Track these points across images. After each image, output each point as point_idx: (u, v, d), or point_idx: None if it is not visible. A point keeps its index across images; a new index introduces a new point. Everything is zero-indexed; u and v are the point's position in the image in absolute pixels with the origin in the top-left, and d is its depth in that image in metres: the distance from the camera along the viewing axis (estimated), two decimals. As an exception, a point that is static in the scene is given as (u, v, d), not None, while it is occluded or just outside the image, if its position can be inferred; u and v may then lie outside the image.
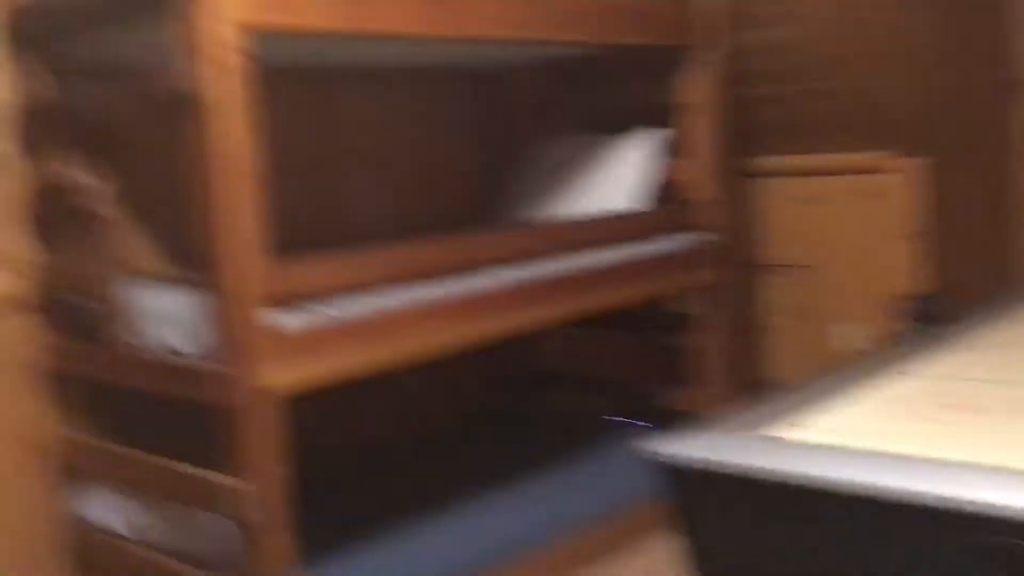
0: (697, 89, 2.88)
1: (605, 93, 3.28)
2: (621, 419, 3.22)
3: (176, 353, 2.09)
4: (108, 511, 2.36)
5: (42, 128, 2.39)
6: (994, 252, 3.82)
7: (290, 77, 2.66)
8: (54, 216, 2.40)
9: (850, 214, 3.42)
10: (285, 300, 1.98)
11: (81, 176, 2.38)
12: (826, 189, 3.46)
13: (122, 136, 2.33)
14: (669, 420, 2.00)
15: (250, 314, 1.91)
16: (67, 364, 2.38)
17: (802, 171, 3.49)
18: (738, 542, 1.38)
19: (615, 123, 3.16)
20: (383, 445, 3.05)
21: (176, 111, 1.88)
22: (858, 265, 3.41)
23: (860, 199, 3.39)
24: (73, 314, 2.34)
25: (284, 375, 1.95)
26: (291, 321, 1.98)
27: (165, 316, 2.16)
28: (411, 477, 2.86)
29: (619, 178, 3.05)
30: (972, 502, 1.09)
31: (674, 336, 3.05)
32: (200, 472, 2.04)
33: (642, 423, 3.10)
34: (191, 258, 2.12)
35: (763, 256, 3.62)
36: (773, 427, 1.48)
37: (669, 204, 2.96)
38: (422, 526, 2.48)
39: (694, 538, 1.41)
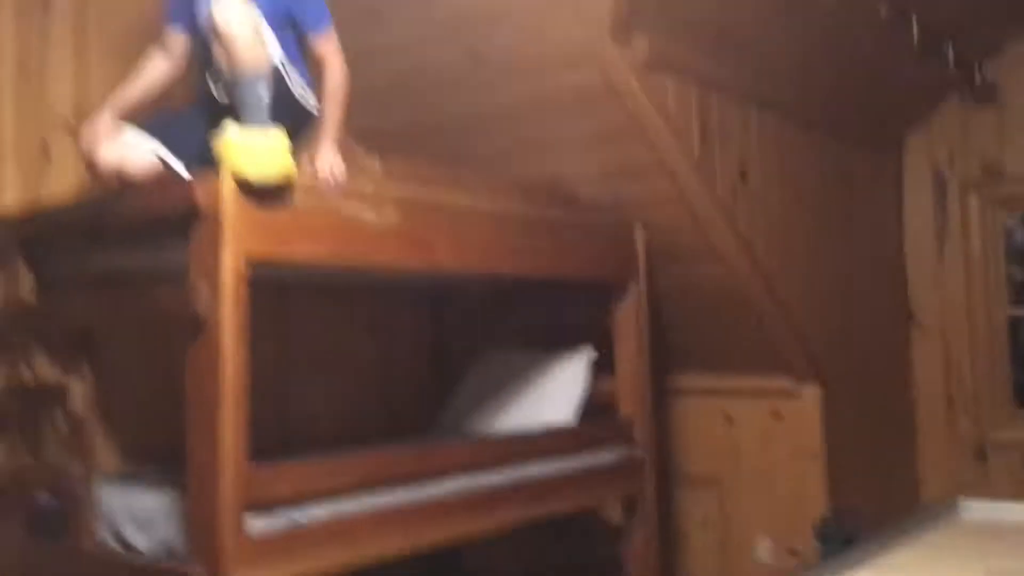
0: (624, 315, 3.20)
1: (542, 313, 3.58)
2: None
3: (139, 553, 2.17)
4: None
5: (16, 331, 2.52)
6: (890, 474, 4.17)
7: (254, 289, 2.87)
8: (21, 413, 2.50)
9: (759, 433, 3.74)
10: (257, 504, 2.10)
11: (52, 375, 2.50)
12: (738, 410, 3.79)
13: (101, 340, 2.47)
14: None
15: (224, 516, 2.02)
16: (25, 566, 2.40)
17: (714, 391, 3.82)
18: None
19: (550, 341, 3.45)
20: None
21: (179, 325, 2.06)
22: (768, 481, 3.69)
23: (767, 420, 3.72)
24: (36, 511, 2.40)
25: (252, 577, 2.05)
26: (261, 525, 2.10)
27: (128, 515, 2.25)
28: None
29: (552, 393, 3.30)
30: None
31: (599, 546, 3.22)
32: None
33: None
34: (162, 459, 2.24)
35: (681, 469, 3.89)
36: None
37: (596, 419, 3.20)
38: None
39: None
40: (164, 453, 2.48)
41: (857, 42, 3.53)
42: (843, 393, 3.78)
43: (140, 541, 2.21)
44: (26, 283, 2.49)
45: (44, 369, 2.49)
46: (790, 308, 3.54)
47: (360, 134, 3.38)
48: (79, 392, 2.36)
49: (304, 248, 2.16)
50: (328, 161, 2.26)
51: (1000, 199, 4.28)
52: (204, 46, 2.25)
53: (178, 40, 2.37)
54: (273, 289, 3.01)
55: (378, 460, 2.44)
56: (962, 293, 4.32)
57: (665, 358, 3.78)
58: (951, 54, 3.79)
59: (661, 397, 3.87)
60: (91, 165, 2.24)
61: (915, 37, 3.47)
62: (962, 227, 4.32)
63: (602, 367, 3.29)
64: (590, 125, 3.00)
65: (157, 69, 2.38)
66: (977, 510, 2.89)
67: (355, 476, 2.34)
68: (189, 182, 2.10)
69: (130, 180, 2.21)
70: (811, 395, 3.65)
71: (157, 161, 2.23)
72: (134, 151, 2.21)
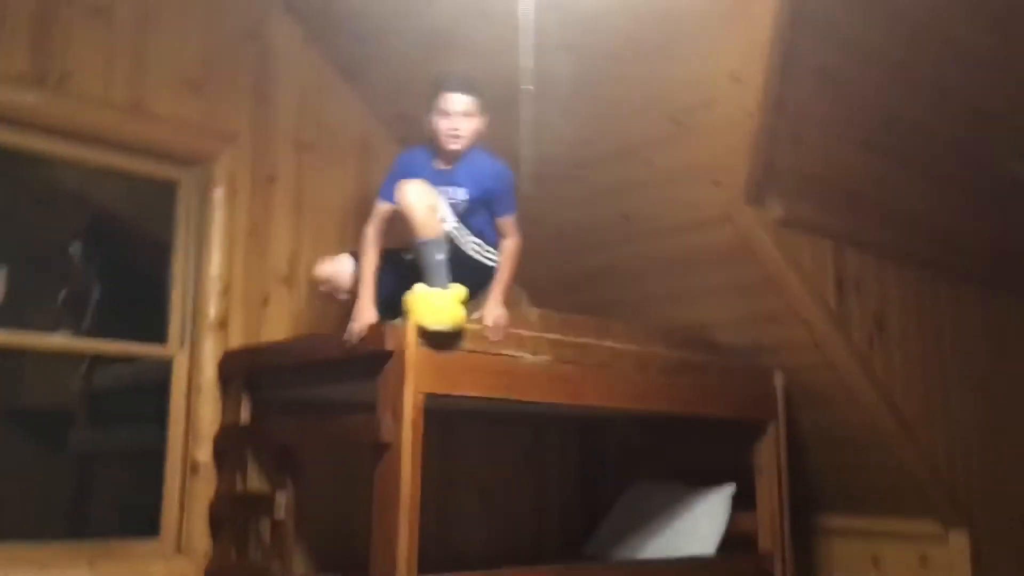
0: (764, 453, 3.40)
1: (689, 449, 3.82)
2: None
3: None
4: None
5: (233, 447, 3.02)
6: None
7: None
8: (232, 517, 2.97)
9: (905, 577, 3.76)
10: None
11: (261, 484, 2.97)
12: (885, 552, 3.83)
13: (303, 459, 2.93)
14: None
15: (398, 617, 2.37)
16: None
17: (861, 533, 3.89)
18: None
19: (695, 476, 3.67)
20: None
21: (368, 449, 2.48)
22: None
23: (915, 565, 3.75)
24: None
25: (418, 671, 2.36)
26: (427, 626, 2.43)
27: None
28: None
29: (695, 526, 3.50)
30: None
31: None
32: None
33: None
34: (342, 561, 2.62)
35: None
36: None
37: (737, 553, 3.37)
38: None
39: None
40: (346, 561, 2.88)
41: (996, 194, 3.71)
42: (994, 538, 3.77)
43: (325, 633, 2.58)
44: (245, 409, 3.00)
45: (255, 482, 2.96)
46: (932, 453, 3.63)
47: (528, 282, 3.86)
48: (283, 503, 2.79)
49: (470, 385, 2.56)
50: (495, 312, 2.69)
51: None
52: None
53: (388, 210, 2.85)
54: (441, 417, 3.42)
55: (528, 576, 2.74)
56: None
57: (812, 498, 3.91)
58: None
59: (808, 537, 3.97)
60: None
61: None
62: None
63: (744, 504, 3.48)
64: (728, 277, 3.31)
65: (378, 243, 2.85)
66: None
67: (509, 589, 2.64)
68: (380, 328, 2.55)
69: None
70: (958, 540, 3.67)
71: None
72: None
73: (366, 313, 2.62)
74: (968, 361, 3.90)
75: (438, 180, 2.75)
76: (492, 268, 2.81)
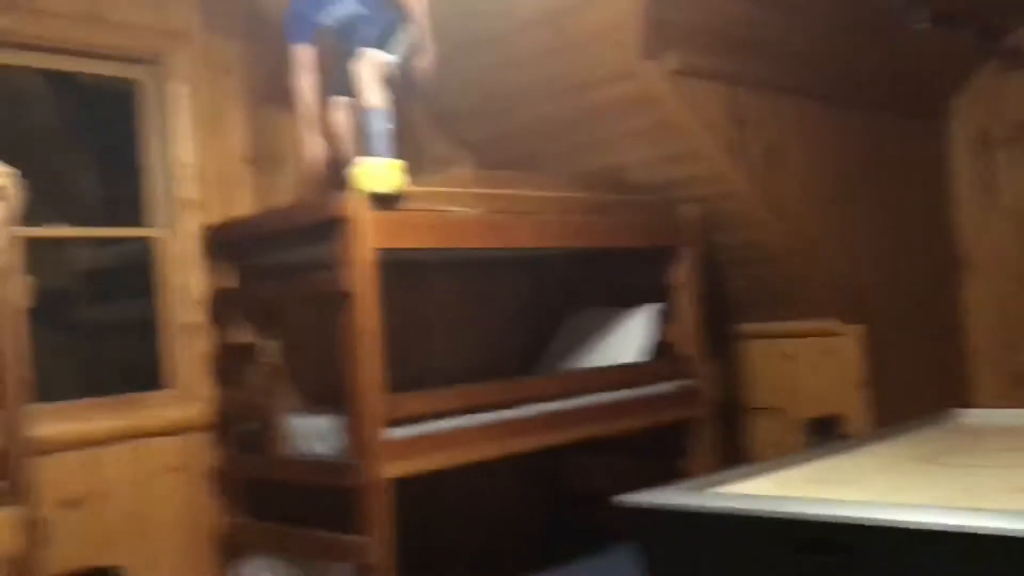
0: (680, 274, 3.96)
1: (620, 275, 4.37)
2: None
3: (319, 457, 3.14)
4: (260, 572, 3.34)
5: (224, 307, 3.54)
6: (939, 400, 4.73)
7: (390, 270, 3.80)
8: (229, 365, 3.52)
9: (812, 368, 4.42)
10: (394, 420, 3.02)
11: (252, 338, 3.50)
12: (793, 349, 4.48)
13: (285, 312, 3.45)
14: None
15: (373, 429, 2.95)
16: (235, 469, 3.43)
17: (774, 334, 4.52)
18: (675, 557, 2.33)
19: (628, 298, 4.24)
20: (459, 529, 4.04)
21: (333, 299, 3.01)
22: (821, 408, 4.37)
23: (819, 357, 4.40)
24: (242, 433, 3.42)
25: (393, 468, 2.97)
26: (398, 433, 3.02)
27: (312, 433, 3.22)
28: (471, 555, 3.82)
29: (628, 340, 4.10)
30: (796, 515, 2.05)
31: (669, 461, 4.00)
32: (332, 534, 3.04)
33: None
34: (330, 395, 3.19)
35: (749, 402, 4.61)
36: (710, 487, 2.45)
37: (664, 358, 3.99)
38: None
39: (651, 556, 2.36)
40: (331, 395, 3.46)
41: (876, 26, 4.14)
42: (887, 331, 4.40)
43: (319, 449, 3.18)
44: (230, 275, 3.50)
45: (245, 335, 3.50)
46: (828, 261, 4.21)
47: (467, 141, 4.31)
48: (272, 349, 3.33)
49: (413, 239, 3.07)
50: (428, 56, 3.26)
51: (1038, 152, 4.76)
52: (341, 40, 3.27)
53: (309, 52, 3.30)
54: (404, 269, 3.94)
55: (479, 391, 3.34)
56: (1009, 237, 4.84)
57: (731, 310, 4.52)
58: (968, 30, 4.32)
59: (729, 342, 4.61)
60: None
61: (924, 20, 4.06)
62: (1007, 178, 4.83)
63: (669, 318, 4.07)
64: (637, 125, 3.78)
65: (311, 85, 3.33)
66: (967, 417, 3.54)
67: (463, 401, 3.23)
68: (335, 198, 3.02)
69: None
70: (855, 334, 4.30)
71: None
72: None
73: (315, 149, 3.13)
74: (857, 177, 4.43)
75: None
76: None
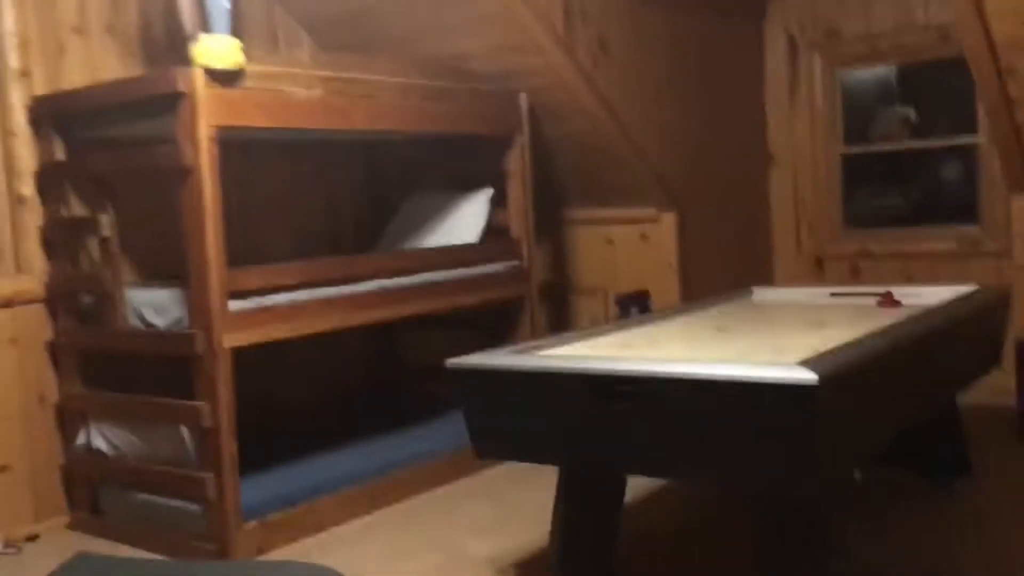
0: (512, 162, 4.19)
1: (455, 161, 4.57)
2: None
3: (158, 328, 3.24)
4: (96, 439, 3.45)
5: (53, 180, 3.51)
6: (746, 279, 5.23)
7: (228, 147, 3.84)
8: (63, 238, 3.52)
9: (631, 252, 4.80)
10: (235, 293, 3.15)
11: (83, 211, 3.50)
12: (615, 234, 4.84)
13: (118, 187, 3.46)
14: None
15: (214, 301, 3.07)
16: (72, 341, 3.48)
17: (598, 220, 4.86)
18: (494, 410, 2.62)
19: (462, 183, 4.44)
20: (297, 398, 4.26)
21: (172, 174, 3.06)
22: (637, 287, 4.77)
23: (637, 241, 4.77)
24: (79, 306, 3.46)
25: (233, 339, 3.11)
26: (238, 306, 3.15)
27: (150, 305, 3.30)
28: (313, 423, 4.06)
29: (462, 223, 4.32)
30: (585, 370, 2.36)
31: (502, 336, 4.31)
32: (174, 400, 3.18)
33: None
34: (166, 269, 3.27)
35: (575, 282, 4.96)
36: (528, 351, 2.73)
37: (495, 241, 4.25)
38: (318, 452, 3.68)
39: (472, 411, 2.64)
40: (167, 270, 3.53)
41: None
42: (698, 218, 4.82)
43: (158, 321, 3.28)
44: (59, 148, 3.46)
45: (77, 209, 3.49)
46: (648, 153, 4.53)
47: (308, 23, 4.32)
48: (106, 222, 3.36)
49: (252, 117, 3.14)
50: None
51: (839, 57, 5.21)
52: None
53: None
54: (241, 147, 3.98)
55: (318, 266, 3.50)
56: (808, 136, 5.32)
57: (559, 197, 4.81)
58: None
59: (557, 227, 4.92)
60: None
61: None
62: (808, 81, 5.28)
63: (502, 203, 4.31)
64: (475, 11, 3.91)
65: None
66: (763, 294, 3.99)
67: (301, 276, 3.38)
68: (174, 73, 3.04)
69: None
70: (669, 220, 4.69)
71: None
72: None
73: None
74: (679, 75, 4.74)
75: None
76: None
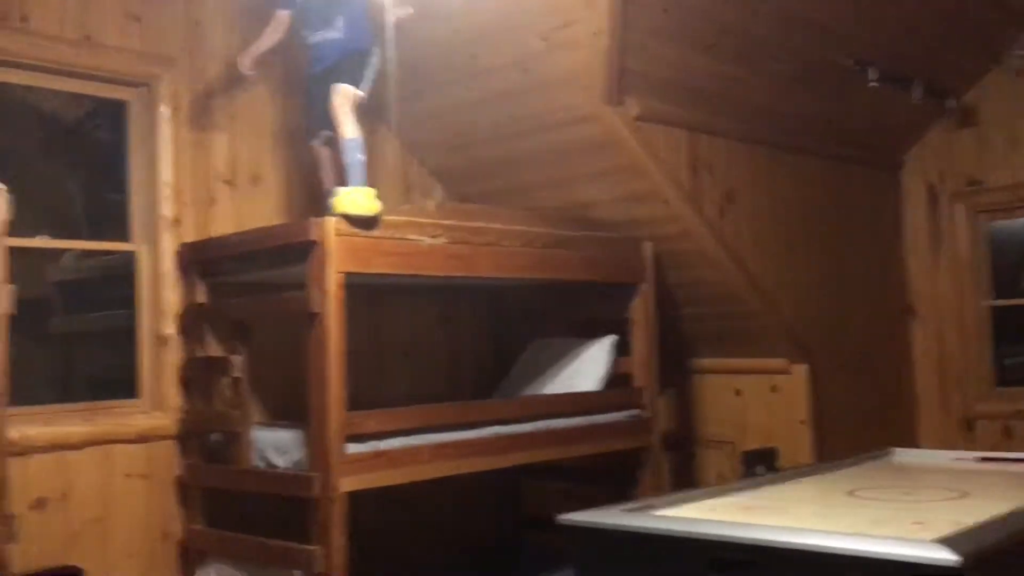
0: (637, 309, 4.15)
1: (578, 307, 4.56)
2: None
3: (280, 469, 3.29)
4: (217, 578, 3.48)
5: (194, 321, 3.69)
6: (885, 439, 4.94)
7: (356, 291, 3.97)
8: (198, 377, 3.66)
9: (761, 404, 4.61)
10: (353, 436, 3.18)
11: (220, 352, 3.65)
12: (743, 385, 4.67)
13: (253, 328, 3.60)
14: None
15: (332, 444, 3.10)
16: (198, 478, 3.57)
17: (726, 370, 4.71)
18: (604, 570, 2.50)
19: (585, 329, 4.42)
20: (417, 546, 4.20)
21: (301, 318, 3.17)
22: (767, 441, 4.55)
23: (767, 393, 4.59)
24: (207, 444, 3.56)
25: (349, 482, 3.12)
26: (355, 449, 3.17)
27: (274, 446, 3.37)
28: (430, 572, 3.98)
29: (584, 370, 4.27)
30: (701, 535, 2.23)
31: (622, 488, 4.17)
32: (287, 543, 3.18)
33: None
34: (292, 410, 3.34)
35: (702, 434, 4.79)
36: (643, 510, 2.61)
37: (618, 389, 4.17)
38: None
39: (582, 569, 2.53)
40: (293, 410, 3.61)
41: (831, 82, 4.38)
42: (832, 372, 4.61)
43: (280, 462, 3.33)
44: (202, 291, 3.65)
45: (214, 349, 3.65)
46: (778, 303, 4.42)
47: (439, 172, 4.50)
48: (238, 363, 3.48)
49: (380, 264, 3.24)
50: None
51: (983, 207, 5.01)
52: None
53: (285, 17, 3.56)
54: (369, 292, 4.10)
55: (435, 410, 3.50)
56: (952, 288, 5.08)
57: (685, 345, 4.71)
58: (919, 89, 4.58)
59: (684, 376, 4.80)
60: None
61: (875, 79, 4.31)
62: (951, 232, 5.08)
63: (625, 351, 4.25)
64: (600, 166, 3.98)
65: (273, 37, 3.60)
66: (904, 455, 3.74)
67: (420, 420, 3.39)
68: (309, 223, 3.19)
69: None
70: (800, 372, 4.50)
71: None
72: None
73: (246, 58, 3.55)
74: (811, 224, 4.66)
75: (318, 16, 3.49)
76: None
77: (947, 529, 2.11)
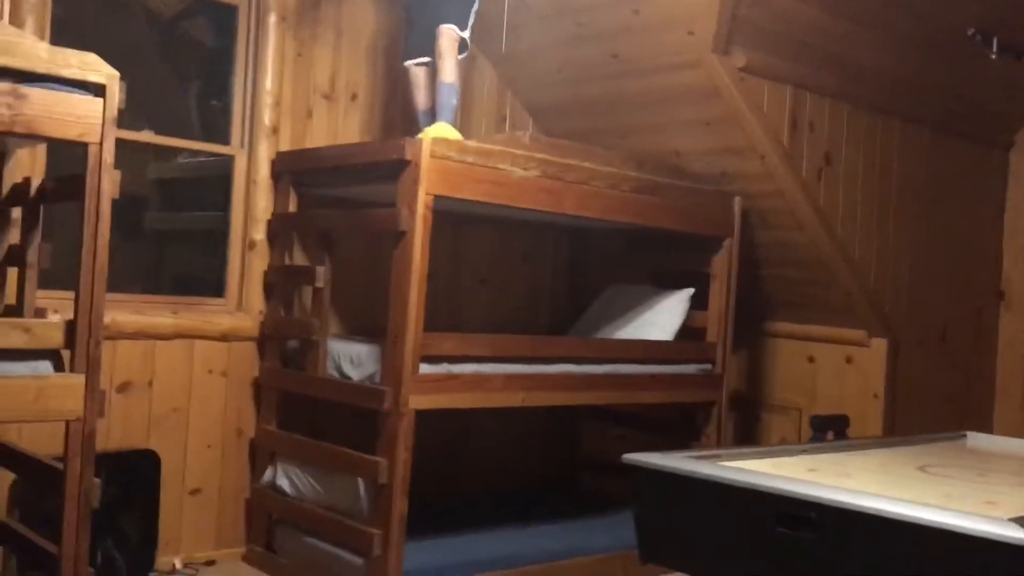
0: (718, 264, 4.11)
1: (658, 257, 4.53)
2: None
3: (353, 380, 3.37)
4: (281, 478, 3.59)
5: (283, 230, 3.77)
6: (959, 422, 4.83)
7: (441, 217, 4.00)
8: (282, 284, 3.75)
9: (833, 374, 4.54)
10: (427, 357, 3.23)
11: (304, 260, 3.73)
12: (817, 352, 4.60)
13: (339, 242, 3.66)
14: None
15: (407, 361, 3.16)
16: (276, 381, 3.68)
17: (800, 336, 4.64)
18: (665, 514, 2.51)
19: (662, 279, 4.39)
20: (474, 473, 4.29)
21: (388, 236, 3.21)
22: (836, 411, 4.49)
23: (842, 364, 4.51)
24: (285, 349, 3.66)
25: (419, 401, 3.18)
26: (428, 369, 3.23)
27: (349, 357, 3.45)
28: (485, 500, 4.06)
29: (658, 320, 4.25)
30: (770, 488, 2.22)
31: (683, 440, 4.17)
32: (355, 452, 3.27)
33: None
34: (368, 326, 3.41)
35: (768, 398, 4.74)
36: (710, 459, 2.61)
37: (690, 342, 4.15)
38: (482, 529, 3.67)
39: (642, 511, 2.54)
40: (370, 326, 3.68)
41: (947, 50, 4.21)
42: (912, 349, 4.51)
43: (354, 374, 3.41)
44: (293, 200, 3.72)
45: (300, 258, 3.73)
46: (864, 273, 4.31)
47: (532, 108, 4.47)
48: (322, 274, 3.55)
49: (469, 190, 3.26)
50: None
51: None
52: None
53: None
54: (453, 220, 4.13)
55: (509, 341, 3.54)
56: (1048, 278, 4.89)
57: (761, 307, 4.65)
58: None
59: (757, 339, 4.74)
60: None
61: (996, 51, 4.12)
62: (1057, 220, 4.88)
63: (701, 305, 4.22)
64: (699, 114, 3.91)
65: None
66: (977, 440, 3.65)
67: (494, 349, 3.43)
68: (404, 142, 3.22)
69: None
70: (879, 346, 4.41)
71: None
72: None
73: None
74: (911, 196, 4.52)
75: None
76: None
77: (1020, 511, 2.07)
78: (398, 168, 3.19)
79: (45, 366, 2.42)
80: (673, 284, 4.32)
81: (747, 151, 3.96)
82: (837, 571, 2.09)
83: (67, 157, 2.83)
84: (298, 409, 3.69)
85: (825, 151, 4.10)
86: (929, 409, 4.60)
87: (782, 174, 3.99)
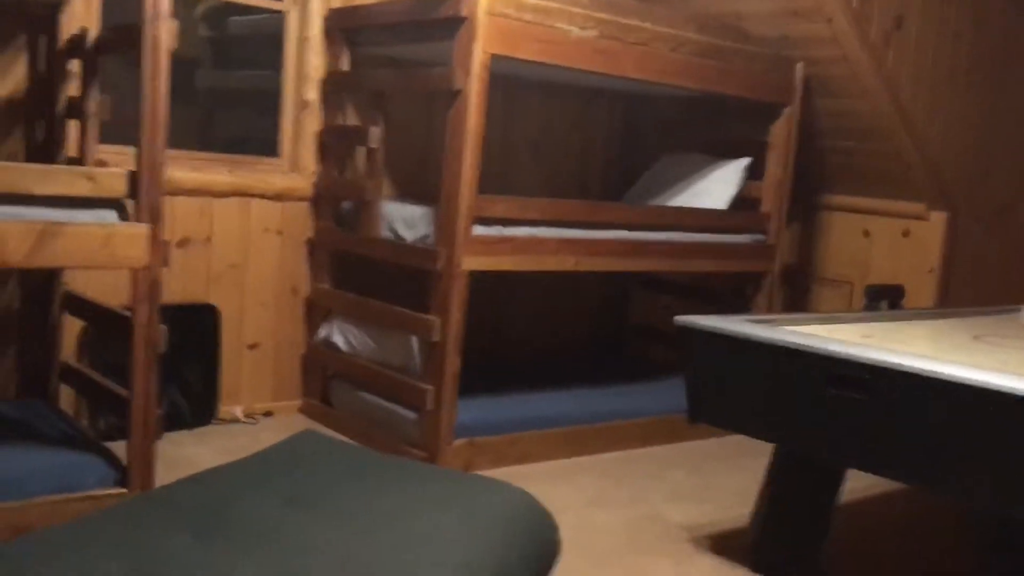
0: (777, 132, 4.01)
1: (714, 125, 4.44)
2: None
3: (406, 240, 3.40)
4: (336, 335, 3.68)
5: (336, 89, 3.74)
6: (1008, 295, 4.76)
7: (493, 82, 3.93)
8: (335, 144, 3.75)
9: (889, 248, 4.48)
10: (481, 219, 3.24)
11: (357, 121, 3.71)
12: (873, 226, 4.53)
13: (392, 102, 3.63)
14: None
15: (460, 222, 3.17)
16: (330, 240, 3.72)
17: (856, 209, 4.57)
18: (716, 375, 2.55)
19: (718, 148, 4.31)
20: (526, 334, 4.38)
21: (442, 96, 3.17)
22: (888, 287, 4.45)
23: (898, 237, 4.45)
24: (339, 210, 3.69)
25: (472, 261, 3.21)
26: (481, 231, 3.24)
27: (402, 219, 3.46)
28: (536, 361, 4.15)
29: (713, 189, 4.20)
30: (824, 351, 2.23)
31: (734, 311, 4.18)
32: (409, 311, 3.33)
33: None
34: (420, 188, 3.40)
35: (821, 272, 4.71)
36: (765, 323, 2.63)
37: (745, 212, 4.10)
38: (534, 388, 3.76)
39: (694, 373, 2.58)
40: (422, 190, 3.68)
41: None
42: (972, 224, 4.42)
43: (407, 235, 3.43)
44: (346, 59, 3.68)
45: (353, 118, 3.71)
46: (928, 144, 4.19)
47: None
48: (375, 135, 3.54)
49: (526, 49, 3.18)
50: None
51: None
52: None
53: None
54: (506, 84, 4.06)
55: (562, 205, 3.52)
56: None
57: (818, 179, 4.56)
58: None
59: (812, 211, 4.67)
60: None
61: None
62: None
63: (758, 176, 4.15)
64: (764, -28, 3.75)
65: None
66: (1033, 314, 3.61)
67: (546, 213, 3.43)
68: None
69: None
70: (938, 220, 4.33)
71: None
72: None
73: None
74: (981, 65, 4.33)
75: None
76: None
77: (1080, 378, 2.06)
78: (454, 25, 3.12)
79: (111, 215, 2.46)
80: (728, 154, 4.24)
81: (813, 13, 3.81)
82: (888, 432, 2.12)
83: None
84: (351, 269, 3.74)
85: (896, 15, 3.92)
86: (985, 285, 4.54)
87: (849, 38, 3.83)
